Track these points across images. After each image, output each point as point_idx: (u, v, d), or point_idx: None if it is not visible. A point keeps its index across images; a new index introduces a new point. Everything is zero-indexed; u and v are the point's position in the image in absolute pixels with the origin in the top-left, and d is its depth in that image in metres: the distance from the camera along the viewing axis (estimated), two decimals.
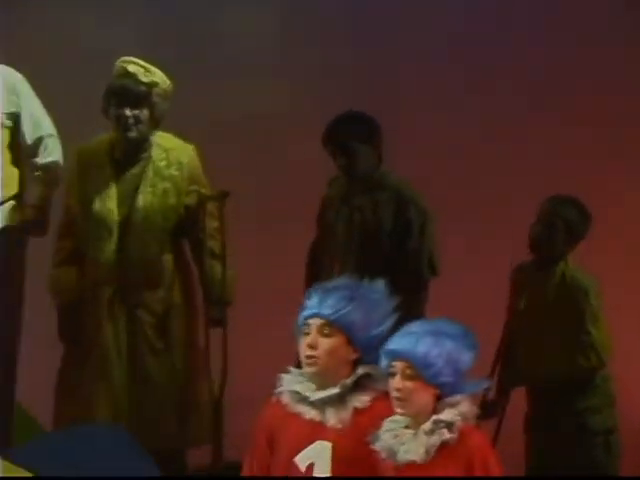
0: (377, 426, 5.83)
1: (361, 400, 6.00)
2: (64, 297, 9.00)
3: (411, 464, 5.85)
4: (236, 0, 12.77)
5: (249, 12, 12.66)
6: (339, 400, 5.97)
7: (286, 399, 6.16)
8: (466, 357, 5.83)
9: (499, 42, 12.25)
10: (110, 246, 9.09)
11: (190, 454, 9.25)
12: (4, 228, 9.45)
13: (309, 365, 6.00)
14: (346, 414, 5.97)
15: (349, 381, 5.96)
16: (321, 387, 6.04)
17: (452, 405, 5.70)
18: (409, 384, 5.70)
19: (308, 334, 5.98)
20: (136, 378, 9.08)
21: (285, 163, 11.96)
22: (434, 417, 5.59)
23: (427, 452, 5.65)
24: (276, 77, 12.22)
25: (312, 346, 6.02)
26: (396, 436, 5.66)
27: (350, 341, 5.98)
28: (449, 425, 5.67)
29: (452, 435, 5.58)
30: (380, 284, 6.24)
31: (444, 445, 5.68)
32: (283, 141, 11.86)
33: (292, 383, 6.16)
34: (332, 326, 5.97)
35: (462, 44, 12.17)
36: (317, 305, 6.17)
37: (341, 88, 11.99)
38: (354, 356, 5.93)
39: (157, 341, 9.25)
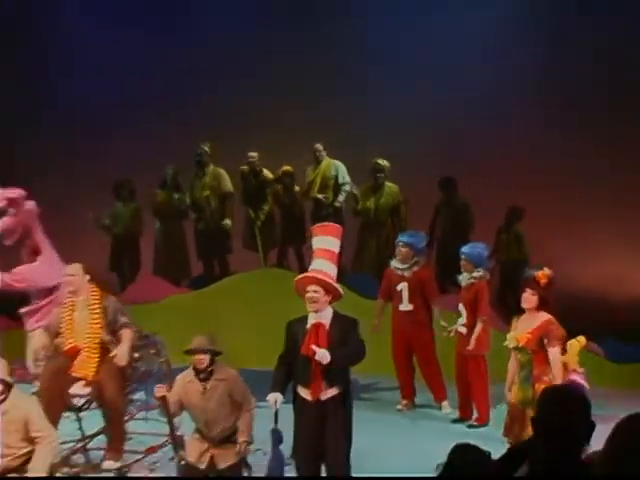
0: (427, 276, 11.51)
1: (418, 268, 11.31)
2: None
3: (462, 288, 11.01)
4: None
5: None
6: (410, 268, 11.29)
7: (391, 269, 11.55)
8: (485, 253, 11.17)
9: None
10: None
11: None
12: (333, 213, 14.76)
13: (402, 259, 11.34)
14: (412, 272, 11.31)
15: (415, 263, 11.31)
16: (403, 264, 11.32)
17: (478, 271, 10.89)
18: (465, 263, 10.86)
19: (402, 249, 11.42)
20: None
21: None
22: (471, 274, 10.80)
23: (466, 283, 10.79)
24: None
25: (404, 251, 11.29)
26: (461, 278, 10.93)
27: (414, 250, 11.35)
28: (475, 278, 10.79)
29: (474, 280, 10.79)
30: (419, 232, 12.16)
31: (472, 283, 10.80)
32: None
33: (394, 263, 11.50)
34: (406, 244, 11.37)
35: None
36: (402, 237, 11.57)
37: None
38: (414, 255, 11.35)
39: None
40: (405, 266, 11.30)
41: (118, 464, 9.39)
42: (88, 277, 9.70)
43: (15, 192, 11.67)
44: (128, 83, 15.24)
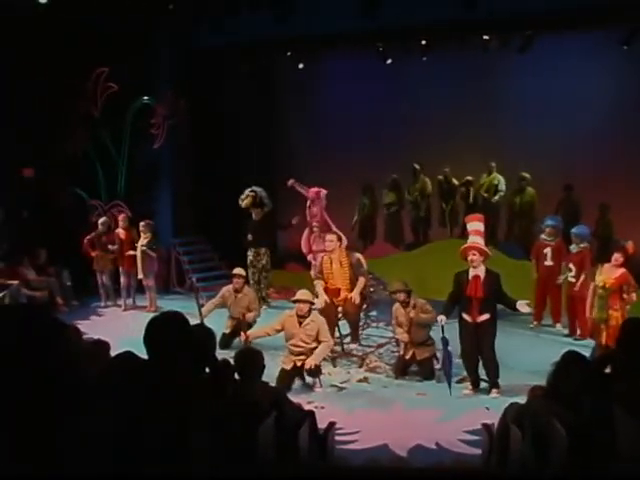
0: (561, 245, 10.67)
1: (558, 239, 10.83)
2: None
3: (572, 254, 10.38)
4: None
5: None
6: (553, 240, 10.82)
7: (540, 241, 11.07)
8: (587, 232, 10.69)
9: None
10: None
11: None
12: (492, 206, 14.15)
13: (548, 234, 10.87)
14: (554, 242, 10.80)
15: (556, 236, 10.85)
16: (549, 237, 10.89)
17: (584, 243, 10.36)
18: (574, 238, 10.37)
19: (548, 229, 10.96)
20: None
21: None
22: (579, 245, 10.35)
23: (576, 251, 10.24)
24: None
25: (549, 230, 10.83)
26: (572, 248, 10.62)
27: (555, 229, 10.83)
28: (581, 247, 10.27)
29: (581, 249, 10.28)
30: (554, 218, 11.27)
31: (580, 251, 10.25)
32: None
33: (543, 236, 10.97)
34: (551, 225, 10.88)
35: None
36: (548, 221, 10.97)
37: None
38: (555, 232, 10.93)
39: None
40: (550, 238, 11.03)
41: (360, 348, 9.90)
42: (339, 243, 9.97)
43: (316, 189, 12.16)
44: (367, 118, 15.04)
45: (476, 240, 8.39)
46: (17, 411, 2.53)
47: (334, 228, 11.57)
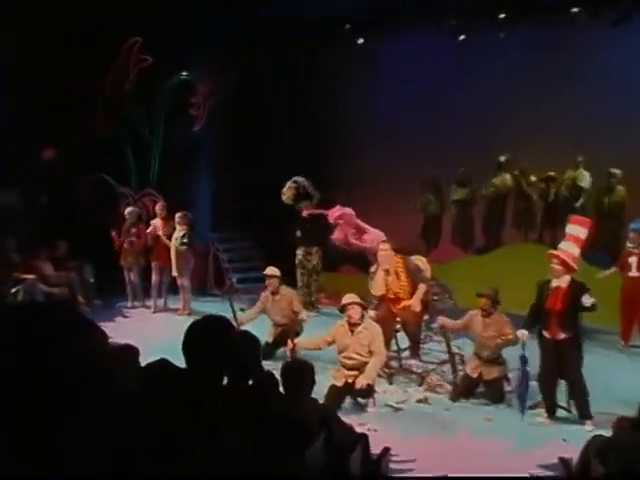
0: None
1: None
2: None
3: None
4: None
5: None
6: (638, 246, 10.87)
7: (627, 249, 11.34)
8: None
9: None
10: None
11: None
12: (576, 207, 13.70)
13: (632, 240, 10.85)
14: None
15: None
16: (633, 244, 10.89)
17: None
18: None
19: (632, 234, 10.96)
20: None
21: None
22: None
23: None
24: None
25: (633, 236, 10.89)
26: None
27: None
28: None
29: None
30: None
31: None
32: None
33: (628, 243, 11.00)
34: (635, 230, 10.92)
35: None
36: (632, 225, 10.98)
37: None
38: None
39: None
40: (634, 245, 10.99)
41: (420, 364, 9.83)
42: (393, 253, 9.79)
43: (336, 211, 11.51)
44: (433, 112, 14.75)
45: (567, 248, 8.26)
46: (39, 413, 2.51)
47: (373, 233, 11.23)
